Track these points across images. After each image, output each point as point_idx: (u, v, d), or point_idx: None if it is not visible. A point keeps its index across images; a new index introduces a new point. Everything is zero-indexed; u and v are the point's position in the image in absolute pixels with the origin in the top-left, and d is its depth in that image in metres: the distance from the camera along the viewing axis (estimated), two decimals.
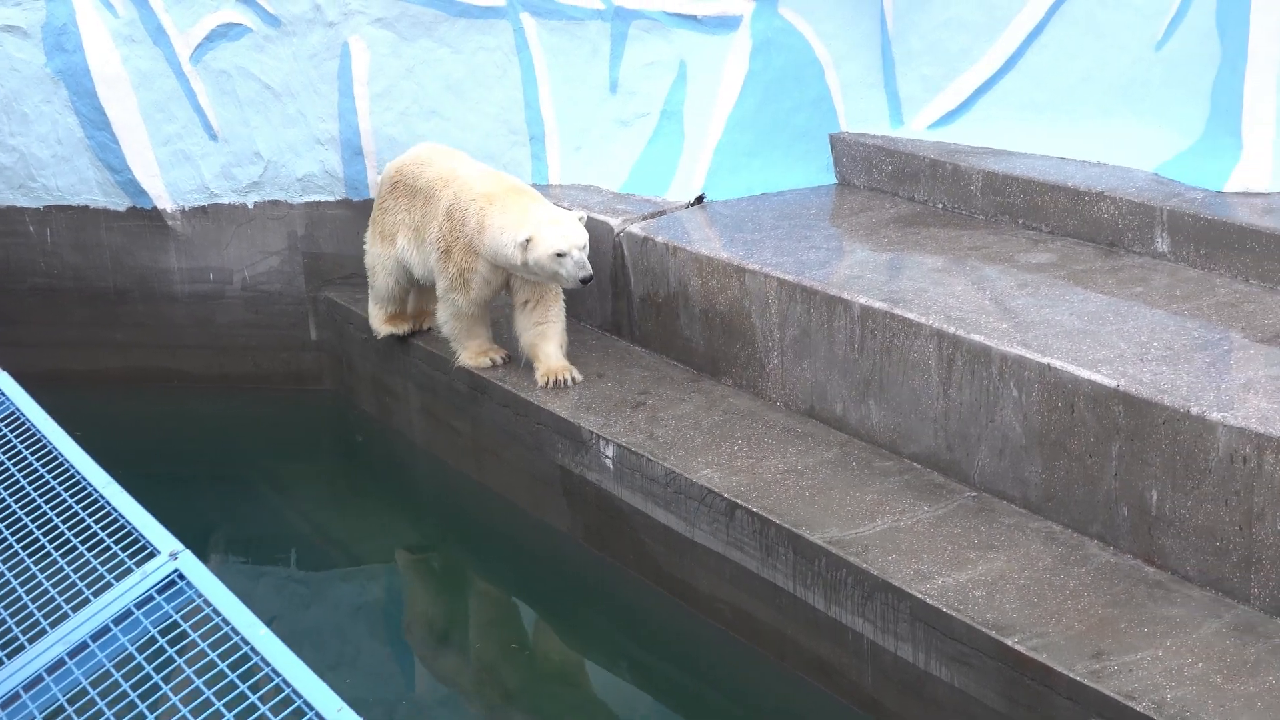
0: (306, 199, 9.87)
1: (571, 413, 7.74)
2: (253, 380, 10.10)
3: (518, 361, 8.20)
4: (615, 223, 8.60)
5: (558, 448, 7.80)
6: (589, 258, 7.61)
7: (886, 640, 6.04)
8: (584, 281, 7.56)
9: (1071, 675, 5.29)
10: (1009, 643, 5.51)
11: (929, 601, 5.81)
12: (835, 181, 9.25)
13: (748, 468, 6.99)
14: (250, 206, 9.93)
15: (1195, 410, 5.71)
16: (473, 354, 8.30)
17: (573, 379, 7.97)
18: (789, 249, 7.92)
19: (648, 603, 7.30)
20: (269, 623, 4.39)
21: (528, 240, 7.52)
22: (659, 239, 8.27)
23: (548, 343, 8.02)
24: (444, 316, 8.27)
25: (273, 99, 9.64)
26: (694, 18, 9.08)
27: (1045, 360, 6.25)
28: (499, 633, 7.53)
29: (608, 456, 7.44)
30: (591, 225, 8.66)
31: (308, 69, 9.53)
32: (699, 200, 8.91)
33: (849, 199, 8.92)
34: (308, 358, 10.06)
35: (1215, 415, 5.65)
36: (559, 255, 7.48)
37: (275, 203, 9.91)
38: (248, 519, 8.84)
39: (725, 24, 9.07)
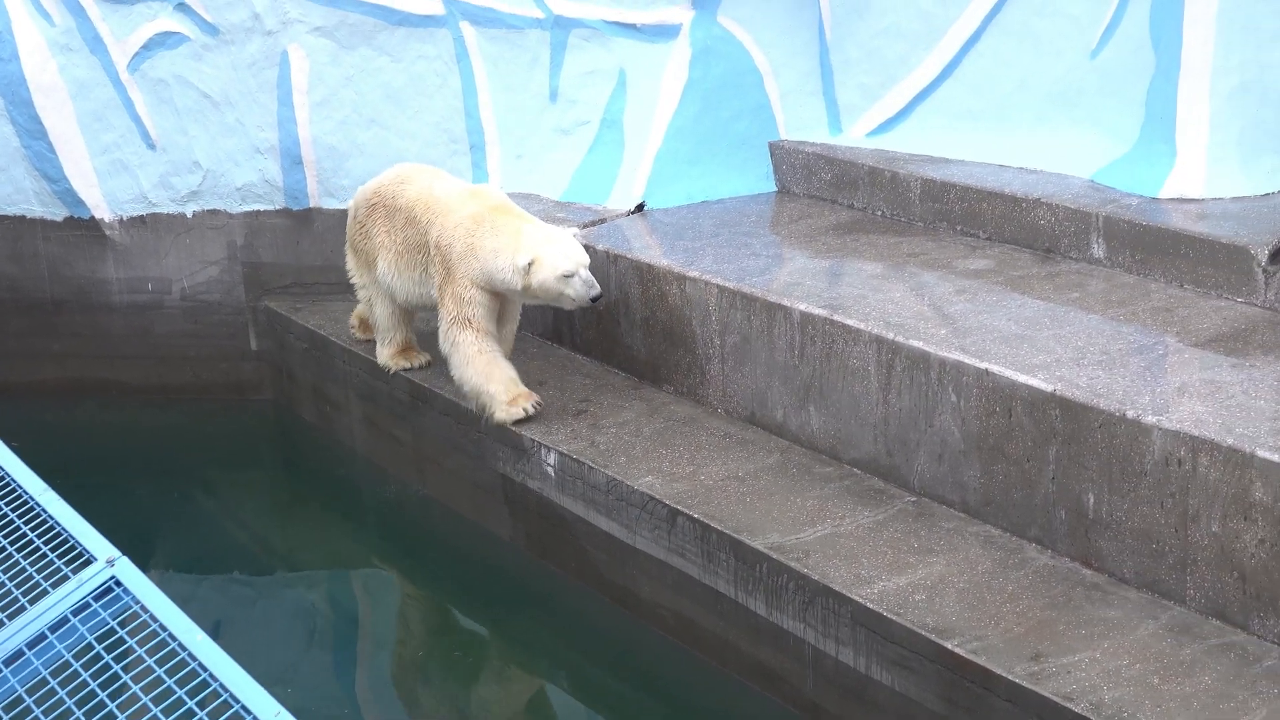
0: (246, 208, 9.83)
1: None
2: (192, 391, 10.05)
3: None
4: None
5: (499, 456, 7.80)
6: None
7: (828, 645, 6.07)
8: (594, 300, 7.30)
9: (1010, 677, 5.33)
10: (949, 646, 5.54)
11: (869, 606, 5.84)
12: (775, 189, 9.29)
13: (689, 474, 7.01)
14: (189, 216, 9.88)
15: (1131, 414, 5.76)
16: (502, 405, 7.63)
17: (536, 405, 7.65)
18: (729, 256, 7.95)
19: (590, 610, 7.31)
20: (209, 631, 4.38)
21: (530, 264, 7.22)
22: (600, 247, 8.28)
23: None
24: (458, 368, 7.65)
25: (211, 108, 9.60)
26: (633, 26, 9.11)
27: (983, 365, 6.30)
28: (441, 641, 7.51)
29: (549, 464, 7.45)
30: None
31: (246, 78, 9.49)
32: (639, 208, 8.93)
33: (789, 206, 8.96)
34: (248, 368, 10.02)
35: (1150, 419, 5.71)
36: (566, 276, 7.22)
37: (214, 212, 9.86)
38: (188, 529, 8.79)
39: (664, 32, 9.09)
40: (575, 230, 7.59)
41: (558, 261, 7.20)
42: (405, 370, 8.36)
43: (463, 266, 7.45)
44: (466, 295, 7.49)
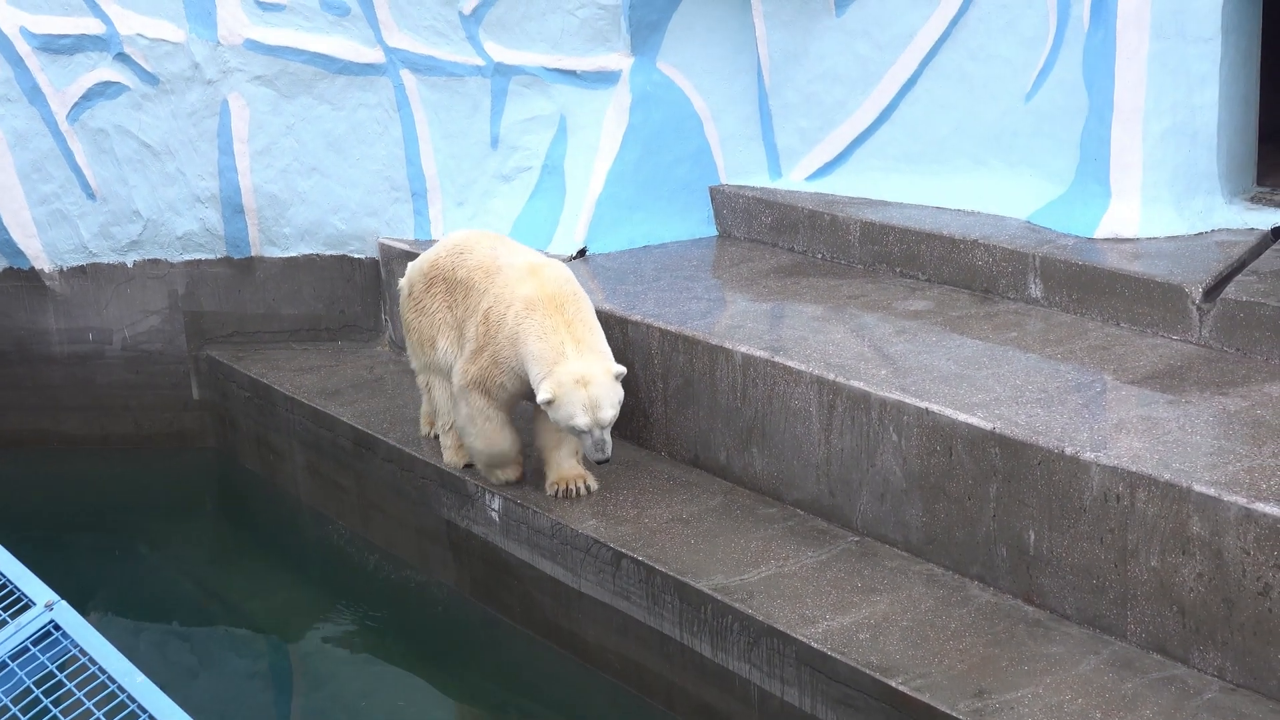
0: (187, 257, 9.82)
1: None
2: (134, 441, 10.01)
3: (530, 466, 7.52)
4: None
5: (444, 502, 7.79)
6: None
7: (773, 685, 6.08)
8: (598, 463, 6.82)
9: (954, 714, 5.36)
10: (893, 684, 5.57)
11: (814, 645, 5.87)
12: (716, 233, 9.35)
13: (633, 517, 7.02)
14: (130, 265, 9.86)
15: (1069, 450, 5.82)
16: (493, 467, 7.41)
17: (587, 488, 7.24)
18: (671, 300, 7.99)
19: (536, 655, 7.30)
20: (150, 677, 4.36)
21: (549, 401, 6.69)
22: None
23: (561, 448, 7.24)
24: (461, 419, 7.29)
25: (151, 157, 9.59)
26: (573, 73, 9.16)
27: (923, 405, 6.35)
28: (386, 688, 7.48)
29: (494, 509, 7.45)
30: None
31: (187, 127, 9.49)
32: (581, 253, 8.97)
33: (730, 250, 9.02)
34: (190, 417, 9.98)
35: (1089, 455, 5.76)
36: (578, 431, 6.71)
37: (155, 261, 9.85)
38: (130, 579, 8.74)
39: (604, 79, 9.15)
40: (620, 370, 6.78)
41: (573, 412, 6.66)
42: (469, 467, 7.64)
43: (505, 351, 6.94)
44: (499, 379, 7.03)
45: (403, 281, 7.72)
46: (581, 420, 6.65)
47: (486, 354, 6.99)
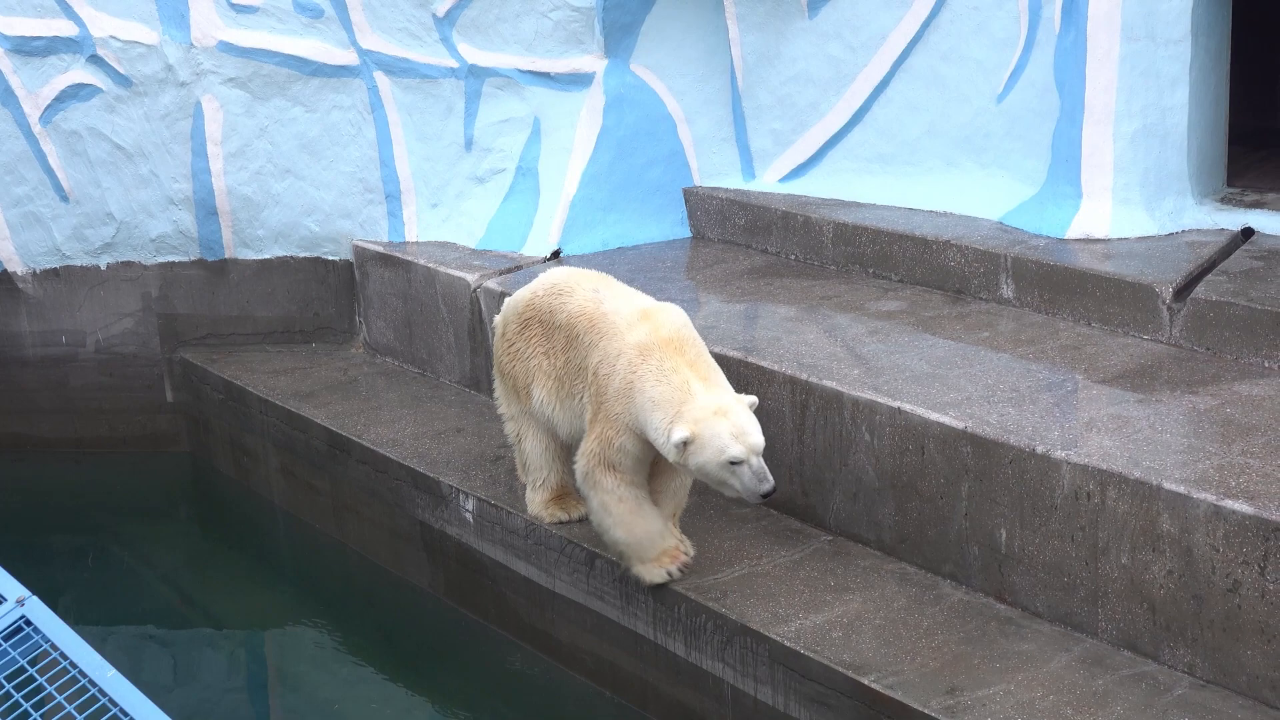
0: (160, 259, 9.80)
1: (431, 468, 7.74)
2: (108, 444, 9.99)
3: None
4: (472, 278, 8.64)
5: (418, 503, 7.80)
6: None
7: (746, 684, 6.10)
8: (764, 496, 5.88)
9: (926, 711, 5.38)
10: (865, 682, 5.59)
11: (787, 644, 5.88)
12: (690, 235, 9.37)
13: None
14: (103, 268, 9.84)
15: (1040, 449, 5.85)
16: (646, 560, 6.40)
17: (686, 554, 6.43)
18: None
19: (510, 655, 7.31)
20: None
21: (686, 442, 5.85)
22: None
23: (661, 510, 6.46)
24: (594, 509, 6.38)
25: (125, 159, 9.57)
26: (547, 75, 9.17)
27: (896, 404, 6.38)
28: (359, 690, 7.47)
29: (468, 510, 7.45)
30: (448, 281, 8.73)
31: (160, 129, 9.48)
32: (555, 255, 8.98)
33: (703, 252, 9.04)
34: (164, 420, 9.97)
35: (1060, 453, 5.79)
36: (732, 464, 5.83)
37: (129, 264, 9.83)
38: (104, 582, 8.73)
39: (578, 81, 9.16)
40: (753, 400, 6.00)
41: (724, 444, 5.79)
42: (562, 524, 7.00)
43: (616, 406, 6.15)
44: (616, 440, 6.18)
45: (497, 319, 7.02)
46: (735, 450, 5.77)
47: (600, 417, 6.23)
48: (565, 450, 6.86)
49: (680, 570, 6.34)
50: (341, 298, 9.76)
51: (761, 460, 5.82)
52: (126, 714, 4.11)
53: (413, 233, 9.50)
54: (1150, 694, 5.40)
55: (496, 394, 7.07)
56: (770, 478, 5.82)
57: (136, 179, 9.62)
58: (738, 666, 6.11)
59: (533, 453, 6.97)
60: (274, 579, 8.71)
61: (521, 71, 9.20)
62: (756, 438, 5.82)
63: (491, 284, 8.52)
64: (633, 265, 8.76)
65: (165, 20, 9.36)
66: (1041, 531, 5.87)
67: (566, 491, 7.00)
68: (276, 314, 9.83)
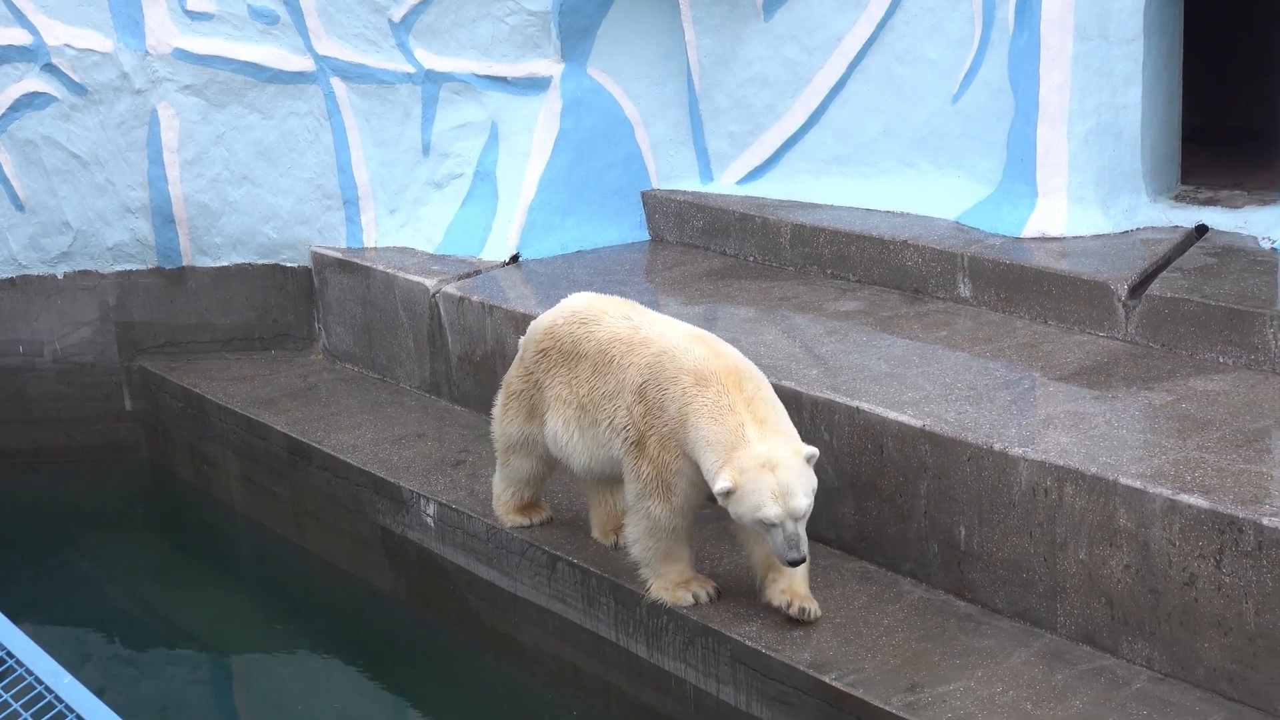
0: (118, 268, 9.76)
1: (392, 473, 7.73)
2: (66, 453, 9.93)
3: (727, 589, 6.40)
4: (431, 283, 8.64)
5: (379, 509, 7.79)
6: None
7: (708, 684, 6.11)
8: (791, 564, 5.67)
9: (887, 709, 5.40)
10: (827, 680, 5.61)
11: (748, 644, 5.90)
12: (648, 238, 9.38)
13: (569, 520, 7.03)
14: (60, 277, 9.79)
15: (998, 446, 5.88)
16: (670, 585, 6.20)
17: (813, 612, 5.97)
18: None
19: (473, 659, 7.30)
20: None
21: (729, 492, 5.64)
22: (475, 298, 8.32)
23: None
24: (635, 533, 6.15)
25: (81, 168, 9.53)
26: (504, 79, 9.17)
27: (854, 404, 6.40)
28: (322, 696, 7.46)
29: (429, 515, 7.45)
30: (407, 286, 8.73)
31: (116, 137, 9.44)
32: (514, 259, 8.98)
33: (662, 254, 9.06)
34: (123, 428, 9.92)
35: (1017, 450, 5.83)
36: (766, 525, 5.62)
37: (86, 273, 9.78)
38: (64, 592, 8.67)
39: (535, 85, 9.17)
40: (813, 452, 5.70)
41: (761, 502, 5.57)
42: (524, 528, 6.97)
43: (671, 430, 5.90)
44: (673, 464, 5.92)
45: (521, 341, 6.78)
46: (771, 511, 5.55)
47: (652, 441, 5.95)
48: (546, 479, 6.90)
49: (709, 594, 6.19)
50: (300, 304, 9.74)
51: (798, 527, 5.58)
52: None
53: (371, 238, 9.49)
54: (1109, 688, 5.43)
55: (495, 410, 6.85)
56: (802, 548, 5.60)
57: (93, 188, 9.58)
58: (699, 667, 6.13)
59: (519, 470, 6.84)
60: (235, 586, 8.68)
61: (478, 76, 9.20)
62: (798, 501, 5.56)
63: (450, 289, 8.52)
64: (591, 268, 8.77)
65: (120, 28, 9.32)
66: (1000, 528, 5.90)
67: (535, 505, 7.00)
68: (235, 321, 9.80)
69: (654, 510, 6.02)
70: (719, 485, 5.63)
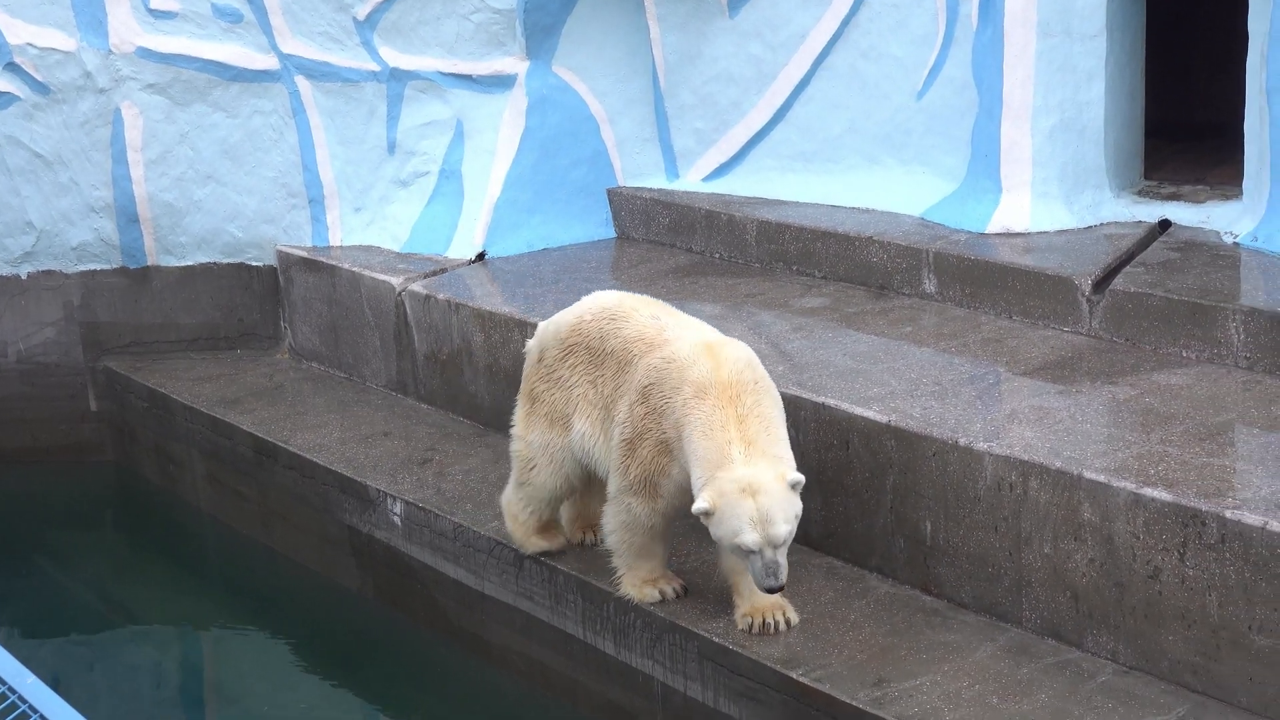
0: (82, 268, 9.72)
1: (358, 472, 7.72)
2: (31, 454, 9.87)
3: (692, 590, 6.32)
4: (397, 282, 8.63)
5: (346, 508, 7.77)
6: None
7: (676, 680, 6.12)
8: (769, 590, 5.59)
9: (854, 703, 5.41)
10: (794, 675, 5.62)
11: (715, 640, 5.90)
12: (614, 235, 9.39)
13: None
14: (23, 277, 9.75)
15: (963, 441, 5.90)
16: (638, 581, 6.16)
17: (787, 621, 5.90)
18: (570, 302, 7.87)
19: (440, 657, 7.30)
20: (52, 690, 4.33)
21: (707, 513, 5.52)
22: (441, 296, 8.31)
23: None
24: (612, 524, 6.07)
25: (44, 167, 9.49)
26: (469, 77, 9.16)
27: (820, 399, 6.41)
28: (290, 695, 7.45)
29: (396, 514, 7.44)
30: (373, 285, 8.72)
31: (79, 136, 9.40)
32: (480, 257, 8.98)
33: (628, 251, 9.06)
34: (88, 429, 9.88)
35: (982, 445, 5.85)
36: (744, 550, 5.51)
37: (49, 273, 9.74)
38: (30, 593, 8.64)
39: (500, 83, 9.16)
40: (798, 478, 5.54)
41: (740, 528, 5.44)
42: (545, 553, 6.64)
43: (671, 440, 5.78)
44: (665, 468, 5.83)
45: (531, 343, 6.52)
46: (749, 537, 5.42)
47: (648, 443, 5.84)
48: (572, 494, 6.53)
49: (676, 590, 6.13)
50: (266, 303, 9.71)
51: (777, 554, 5.45)
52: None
53: (337, 237, 9.47)
54: (1074, 681, 5.45)
55: (515, 417, 6.51)
56: (780, 576, 5.47)
57: (56, 187, 9.53)
58: (667, 664, 6.13)
59: (542, 487, 6.43)
60: (202, 586, 8.66)
61: (443, 74, 9.19)
62: (777, 529, 5.42)
63: (416, 287, 8.51)
64: (558, 266, 8.77)
65: (83, 27, 9.28)
66: (965, 523, 5.92)
67: (555, 528, 6.67)
68: (200, 321, 9.77)
69: (635, 507, 5.93)
70: (697, 506, 5.51)
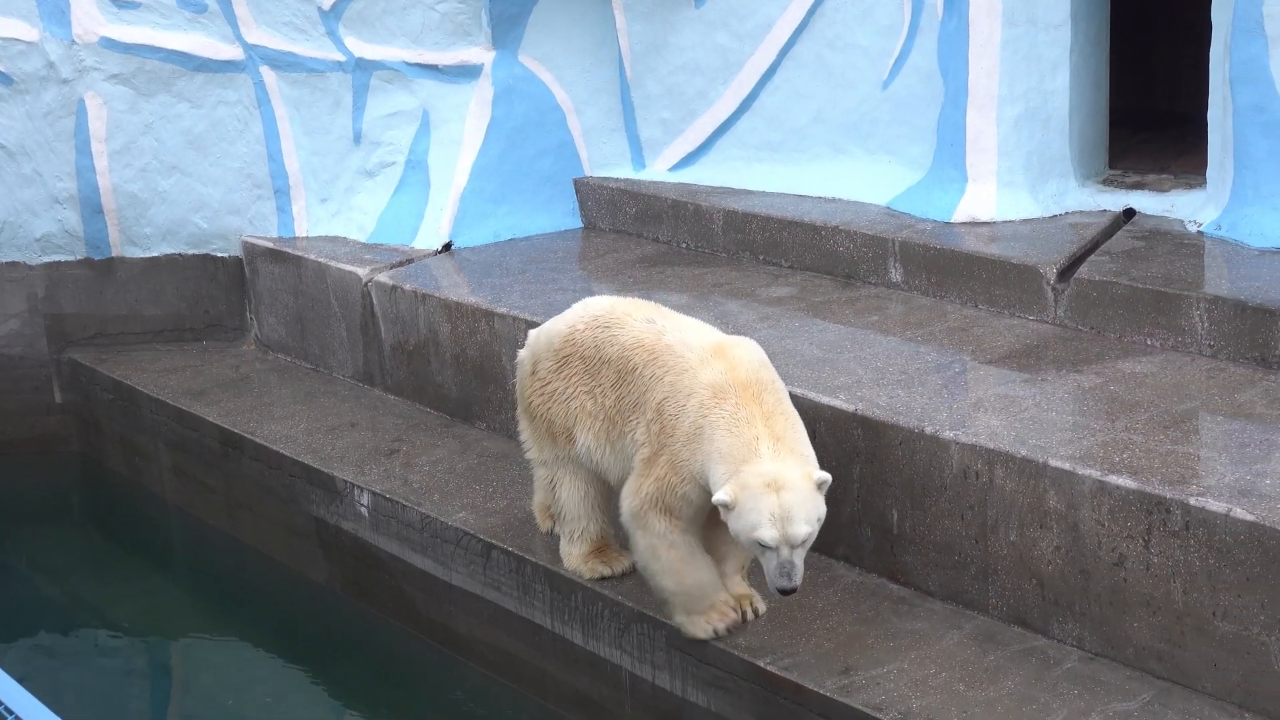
0: (46, 259, 9.67)
1: (325, 463, 7.71)
2: None
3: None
4: (363, 272, 8.61)
5: (312, 499, 7.76)
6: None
7: (644, 670, 6.13)
8: (782, 592, 5.35)
9: (822, 691, 5.44)
10: (762, 664, 5.63)
11: None
12: (581, 225, 9.38)
13: (503, 509, 7.04)
14: None
15: (929, 430, 5.92)
16: (692, 612, 5.82)
17: (755, 611, 5.87)
18: (537, 292, 8.01)
19: (408, 649, 7.29)
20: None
21: (728, 506, 5.34)
22: (407, 287, 8.29)
23: (728, 561, 5.93)
24: (643, 556, 5.81)
25: (7, 159, 9.43)
26: (435, 67, 9.14)
27: (787, 388, 6.40)
28: (257, 687, 7.43)
29: (363, 505, 7.43)
30: (339, 276, 8.69)
31: (43, 127, 9.35)
32: (447, 247, 8.96)
33: (595, 241, 9.06)
34: (53, 421, 9.83)
35: (948, 434, 5.87)
36: (761, 546, 5.31)
37: (13, 264, 9.69)
38: None
39: (466, 73, 9.15)
40: (824, 477, 5.36)
41: (759, 523, 5.25)
42: (604, 579, 6.33)
43: (684, 451, 5.57)
44: (680, 488, 5.62)
45: (522, 354, 6.39)
46: (768, 534, 5.24)
47: (663, 460, 5.64)
48: (606, 497, 6.25)
49: (728, 629, 5.79)
50: (232, 294, 9.68)
51: (795, 555, 5.27)
52: (12, 713, 4.06)
53: (302, 228, 9.45)
54: (1040, 668, 5.48)
55: (523, 436, 6.41)
56: (795, 578, 5.28)
57: (19, 178, 9.48)
58: (635, 653, 6.14)
59: (569, 501, 6.27)
60: (168, 578, 8.64)
61: (409, 64, 9.17)
62: (797, 528, 5.23)
63: (383, 278, 8.49)
64: (524, 256, 8.76)
65: (45, 17, 9.23)
66: (932, 511, 5.94)
67: (607, 543, 6.36)
68: (166, 312, 9.73)
69: (653, 523, 5.70)
70: (718, 497, 5.33)
